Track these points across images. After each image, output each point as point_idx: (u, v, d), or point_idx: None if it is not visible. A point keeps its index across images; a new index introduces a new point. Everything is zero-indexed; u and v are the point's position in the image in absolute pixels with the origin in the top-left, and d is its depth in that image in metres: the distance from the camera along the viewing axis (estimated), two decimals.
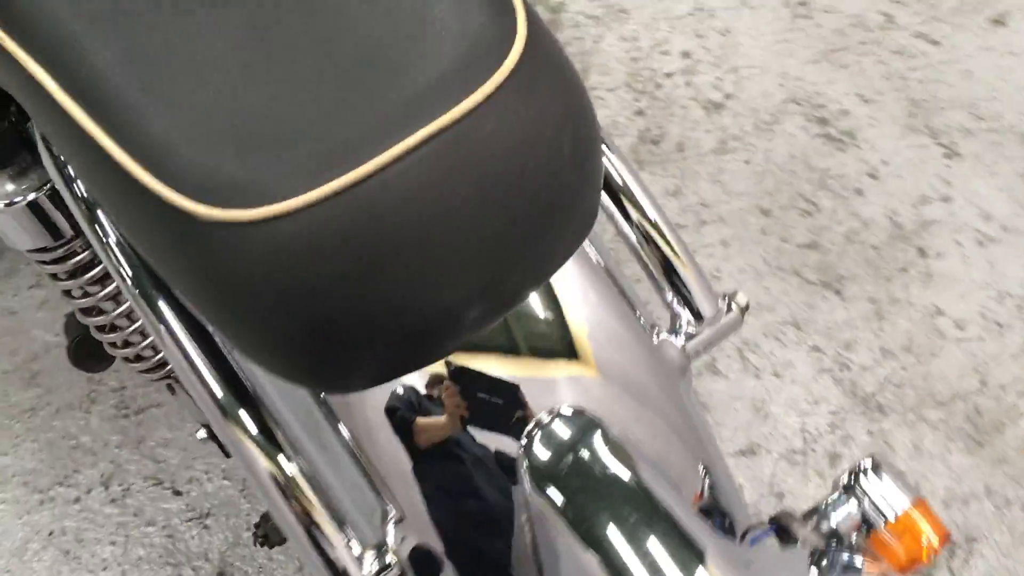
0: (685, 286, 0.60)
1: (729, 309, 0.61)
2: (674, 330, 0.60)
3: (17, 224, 0.66)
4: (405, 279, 0.41)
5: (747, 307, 0.61)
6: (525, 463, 0.48)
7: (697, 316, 0.60)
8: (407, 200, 0.40)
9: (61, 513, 1.20)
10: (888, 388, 1.31)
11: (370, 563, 0.50)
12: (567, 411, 0.50)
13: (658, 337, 0.60)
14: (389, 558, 0.51)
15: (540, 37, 0.45)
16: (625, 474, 0.47)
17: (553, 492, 0.46)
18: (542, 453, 0.47)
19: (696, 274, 0.61)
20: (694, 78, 1.61)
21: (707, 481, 0.55)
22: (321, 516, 0.49)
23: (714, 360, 1.31)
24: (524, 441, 0.48)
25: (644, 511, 0.46)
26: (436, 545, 0.50)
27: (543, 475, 0.47)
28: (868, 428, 1.27)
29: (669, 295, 0.61)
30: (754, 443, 1.26)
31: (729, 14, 1.70)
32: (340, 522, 0.50)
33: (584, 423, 0.49)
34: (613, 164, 0.60)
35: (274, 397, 0.50)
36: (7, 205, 0.65)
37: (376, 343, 0.43)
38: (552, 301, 0.53)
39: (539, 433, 0.48)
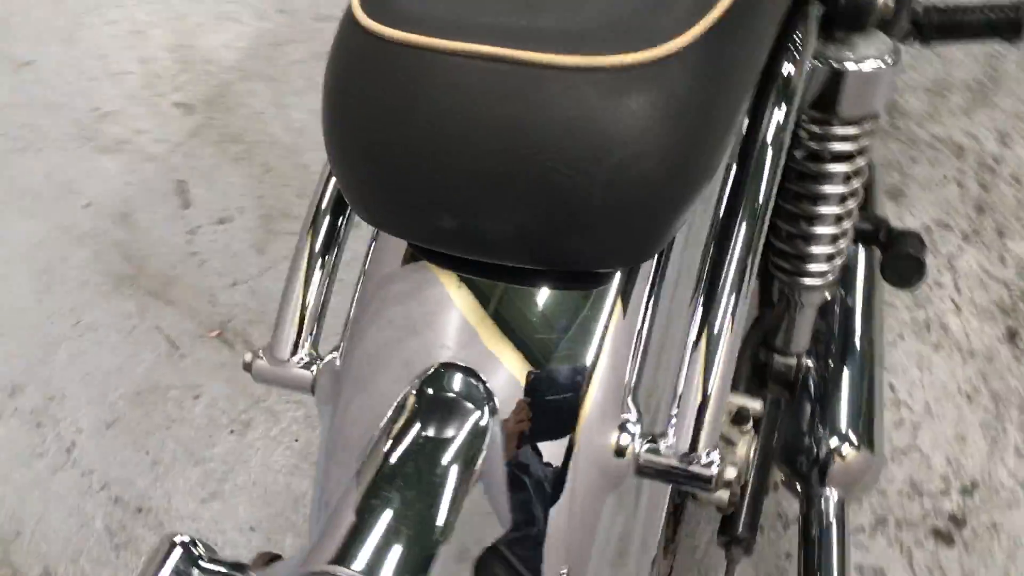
0: (697, 413, 0.53)
1: (708, 466, 0.52)
2: (647, 435, 0.54)
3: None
4: (427, 139, 0.47)
5: (725, 482, 0.53)
6: (413, 392, 0.51)
7: (681, 448, 0.53)
8: (469, 88, 0.46)
9: None
10: None
11: (302, 355, 0.58)
12: (466, 379, 0.51)
13: (620, 428, 0.53)
14: (313, 367, 0.58)
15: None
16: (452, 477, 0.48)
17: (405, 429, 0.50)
18: (428, 393, 0.50)
19: (716, 411, 0.53)
20: None
21: None
22: (297, 309, 0.59)
23: None
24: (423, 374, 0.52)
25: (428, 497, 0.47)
26: (338, 383, 0.56)
27: (413, 412, 0.50)
28: None
29: (676, 407, 0.54)
30: None
31: None
32: (303, 320, 0.59)
33: (467, 407, 0.50)
34: (733, 255, 0.55)
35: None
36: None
37: (389, 184, 0.49)
38: (559, 305, 0.53)
39: (436, 377, 0.51)
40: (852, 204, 0.81)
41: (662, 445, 0.53)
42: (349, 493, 0.48)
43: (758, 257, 0.57)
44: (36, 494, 1.31)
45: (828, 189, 0.78)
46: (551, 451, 0.52)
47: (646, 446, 0.53)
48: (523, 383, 0.52)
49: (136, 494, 1.32)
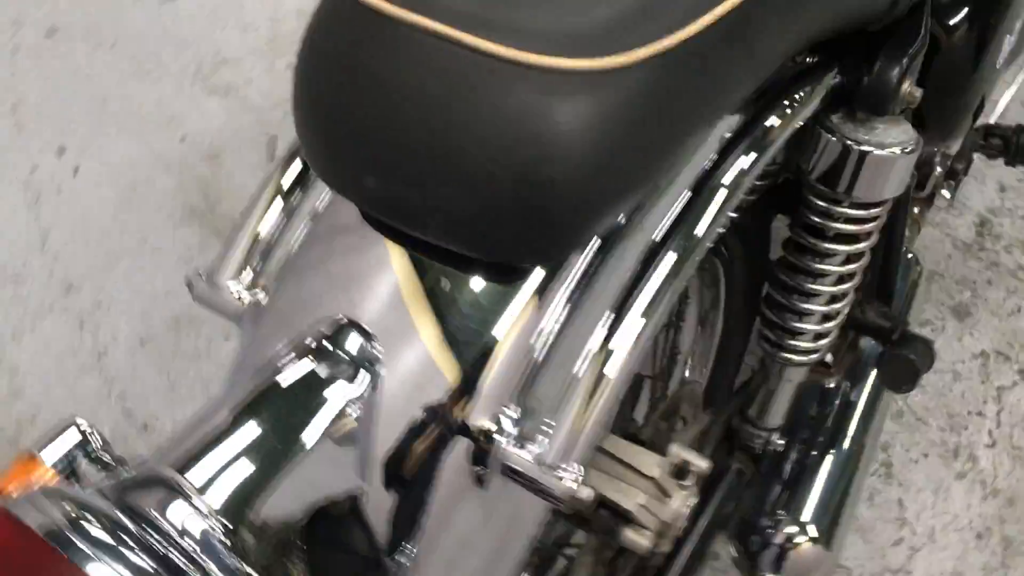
0: (571, 427, 0.53)
1: (561, 480, 0.51)
2: (522, 436, 0.54)
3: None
4: (369, 114, 0.49)
5: (584, 500, 0.52)
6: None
7: (547, 458, 0.52)
8: (410, 59, 0.48)
9: None
10: None
11: (239, 284, 0.61)
12: (362, 340, 0.53)
13: (495, 421, 0.53)
14: (246, 296, 0.61)
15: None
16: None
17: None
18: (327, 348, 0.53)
19: (593, 430, 0.53)
20: None
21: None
22: (246, 240, 0.62)
23: None
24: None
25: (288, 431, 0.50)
26: (260, 315, 0.59)
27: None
28: None
29: (555, 417, 0.54)
30: None
31: None
32: (250, 252, 0.61)
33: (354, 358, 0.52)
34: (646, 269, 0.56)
35: None
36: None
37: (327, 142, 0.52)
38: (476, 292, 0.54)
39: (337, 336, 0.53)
40: (847, 286, 0.79)
41: (531, 449, 0.53)
42: (216, 411, 0.50)
43: (677, 288, 0.56)
44: (60, 390, 1.39)
45: (824, 267, 0.77)
46: (424, 428, 0.53)
47: (514, 445, 0.53)
48: (419, 358, 0.54)
49: (147, 412, 1.38)
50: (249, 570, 0.46)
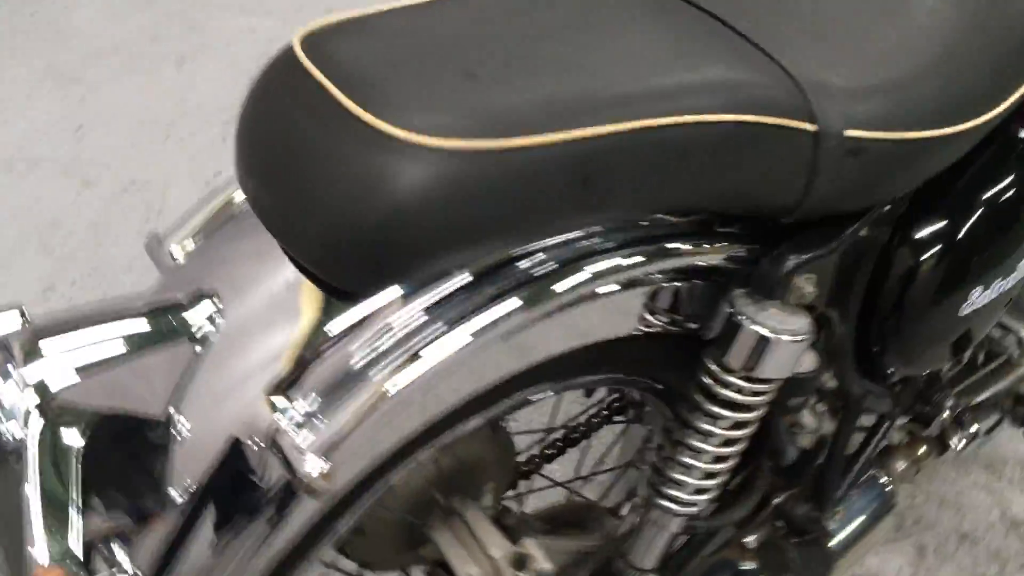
0: (340, 429, 0.61)
1: (303, 464, 0.60)
2: (298, 425, 0.61)
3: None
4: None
5: (320, 490, 0.59)
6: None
7: (308, 446, 0.61)
8: (312, 110, 0.60)
9: None
10: None
11: (180, 249, 0.75)
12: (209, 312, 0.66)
13: (285, 400, 0.62)
14: (179, 257, 0.74)
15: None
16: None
17: None
18: None
19: (353, 436, 0.61)
20: None
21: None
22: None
23: None
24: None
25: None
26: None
27: None
28: None
29: (327, 415, 0.62)
30: None
31: None
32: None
33: None
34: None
35: None
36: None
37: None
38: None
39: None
40: (731, 451, 0.82)
41: (302, 435, 0.62)
42: (92, 312, 0.65)
43: (487, 338, 0.65)
44: None
45: (708, 427, 0.81)
46: (237, 395, 0.64)
47: (291, 429, 0.62)
48: (264, 340, 0.66)
49: None
50: (30, 442, 0.59)
